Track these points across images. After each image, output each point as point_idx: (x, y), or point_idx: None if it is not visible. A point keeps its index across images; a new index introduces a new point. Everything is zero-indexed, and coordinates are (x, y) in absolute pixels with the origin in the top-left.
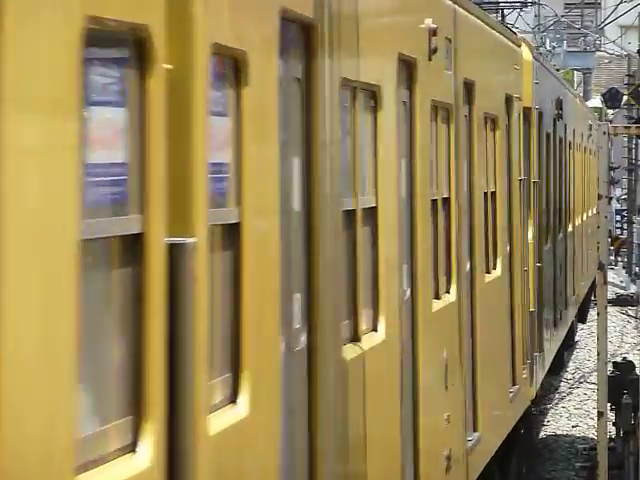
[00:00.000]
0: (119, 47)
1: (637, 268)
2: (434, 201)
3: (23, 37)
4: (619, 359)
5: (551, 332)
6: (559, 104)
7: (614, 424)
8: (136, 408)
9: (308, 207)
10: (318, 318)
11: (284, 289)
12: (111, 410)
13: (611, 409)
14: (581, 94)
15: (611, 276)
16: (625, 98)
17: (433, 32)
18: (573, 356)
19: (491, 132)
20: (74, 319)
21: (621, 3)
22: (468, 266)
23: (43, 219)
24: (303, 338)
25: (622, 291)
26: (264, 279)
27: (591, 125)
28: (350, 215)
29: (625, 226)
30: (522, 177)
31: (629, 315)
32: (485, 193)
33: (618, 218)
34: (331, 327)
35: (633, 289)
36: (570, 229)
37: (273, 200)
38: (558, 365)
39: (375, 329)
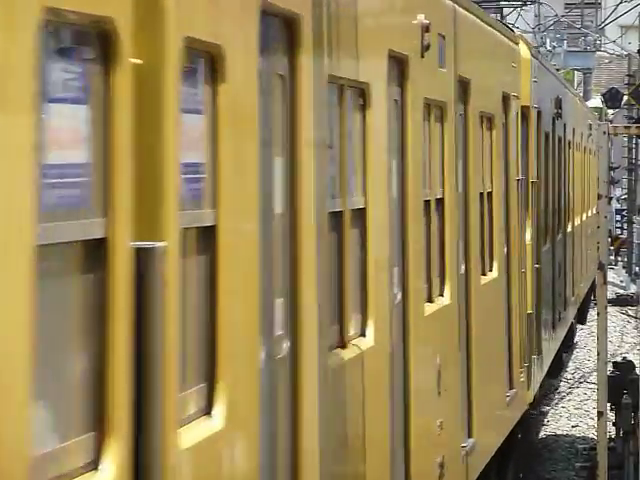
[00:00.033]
0: (81, 41)
1: (637, 268)
2: (427, 202)
3: None
4: (619, 359)
5: (549, 334)
6: (558, 103)
7: (614, 424)
8: (99, 423)
9: (292, 209)
10: (302, 324)
11: (265, 294)
12: (72, 426)
13: (611, 409)
14: (581, 94)
15: (611, 276)
16: (625, 98)
17: (426, 28)
18: (573, 356)
19: (487, 131)
20: (30, 330)
21: (621, 3)
22: (463, 268)
23: None
24: (286, 345)
25: (622, 291)
26: (242, 284)
27: (591, 125)
28: (337, 217)
29: (625, 226)
30: (520, 177)
31: (629, 315)
32: (481, 193)
33: (618, 218)
34: (316, 333)
35: (633, 289)
36: (569, 229)
37: (252, 202)
38: (557, 367)
39: (363, 334)
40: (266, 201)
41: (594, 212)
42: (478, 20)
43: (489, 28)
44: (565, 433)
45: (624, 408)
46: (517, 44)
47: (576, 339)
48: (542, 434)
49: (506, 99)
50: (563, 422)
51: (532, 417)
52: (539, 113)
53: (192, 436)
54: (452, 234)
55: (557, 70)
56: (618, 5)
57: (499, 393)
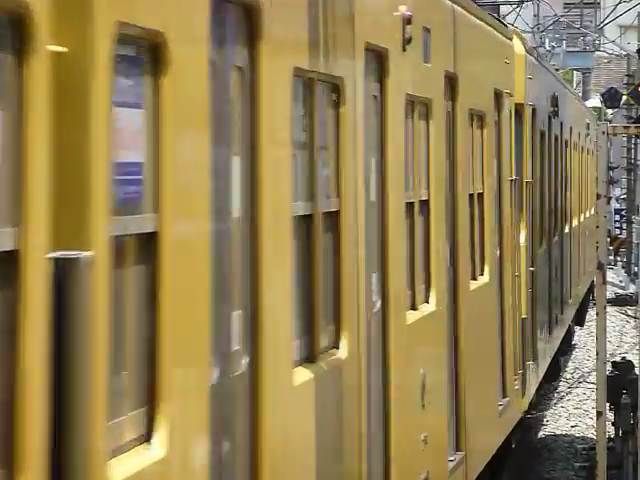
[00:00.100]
0: None
1: (636, 268)
2: (410, 204)
3: None
4: (618, 359)
5: (546, 338)
6: (554, 101)
7: (613, 424)
8: (10, 459)
9: (252, 212)
10: (263, 338)
11: (219, 307)
12: None
13: (610, 409)
14: (580, 94)
15: (610, 276)
16: (624, 98)
17: (407, 20)
18: (572, 356)
19: (478, 130)
20: None
21: (620, 3)
22: (451, 273)
23: None
24: (244, 361)
25: (621, 291)
26: (189, 296)
27: (589, 124)
28: (306, 220)
29: (624, 226)
30: (513, 177)
31: (628, 315)
32: (471, 195)
33: (617, 218)
34: (280, 348)
35: (632, 289)
36: (567, 231)
37: (202, 205)
38: (555, 370)
39: (336, 346)
40: (221, 204)
41: (592, 213)
42: (468, 13)
43: (480, 22)
44: (564, 433)
45: (623, 408)
46: (511, 39)
47: (575, 339)
48: (541, 434)
49: (498, 96)
50: (562, 422)
51: (531, 417)
52: (534, 111)
53: (126, 468)
54: (438, 238)
55: (556, 70)
56: (617, 5)
57: (491, 403)
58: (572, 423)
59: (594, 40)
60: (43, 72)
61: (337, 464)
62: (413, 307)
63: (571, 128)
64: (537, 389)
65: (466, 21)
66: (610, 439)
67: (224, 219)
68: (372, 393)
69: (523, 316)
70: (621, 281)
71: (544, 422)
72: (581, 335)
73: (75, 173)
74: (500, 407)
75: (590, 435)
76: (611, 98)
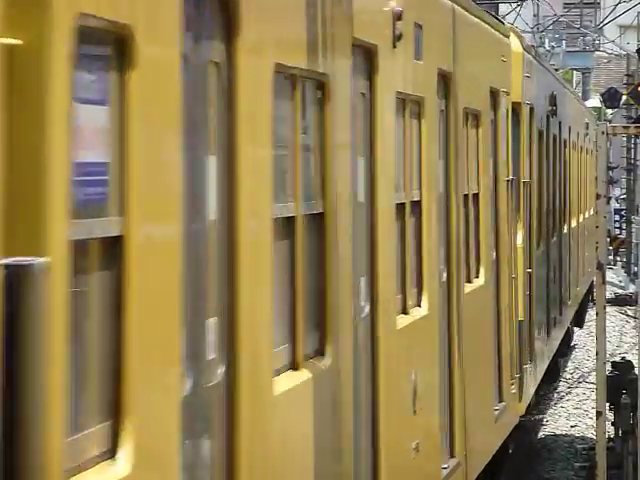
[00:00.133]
0: None
1: (636, 268)
2: (401, 205)
3: None
4: (618, 359)
5: (544, 341)
6: (553, 100)
7: (613, 424)
8: None
9: (230, 214)
10: (241, 346)
11: (192, 314)
12: None
13: (610, 409)
14: (580, 94)
15: (610, 276)
16: (624, 98)
17: (398, 16)
18: (572, 356)
19: (473, 129)
20: None
21: (620, 3)
22: (445, 276)
23: None
24: (220, 371)
25: (621, 291)
26: (158, 303)
27: (588, 123)
28: (289, 223)
29: (624, 226)
30: (510, 177)
31: (628, 315)
32: (466, 195)
33: (617, 218)
34: (259, 355)
35: (632, 289)
36: (565, 231)
37: (173, 207)
38: (553, 372)
39: (322, 353)
40: (195, 206)
41: (592, 213)
42: (462, 10)
43: (475, 19)
44: (564, 433)
45: (623, 408)
46: (507, 37)
47: (575, 339)
48: (541, 434)
49: (495, 95)
50: (562, 422)
51: (528, 420)
52: (531, 110)
53: None
54: (431, 239)
55: (556, 70)
56: (617, 5)
57: (486, 408)
58: (572, 423)
59: (594, 40)
60: None
61: (323, 477)
62: (404, 311)
63: (570, 128)
64: (536, 390)
65: (461, 18)
66: (610, 439)
67: (198, 222)
68: (360, 400)
69: (520, 318)
70: (621, 281)
71: (544, 422)
72: (581, 335)
73: (30, 174)
74: (496, 412)
75: (590, 435)
76: (611, 98)
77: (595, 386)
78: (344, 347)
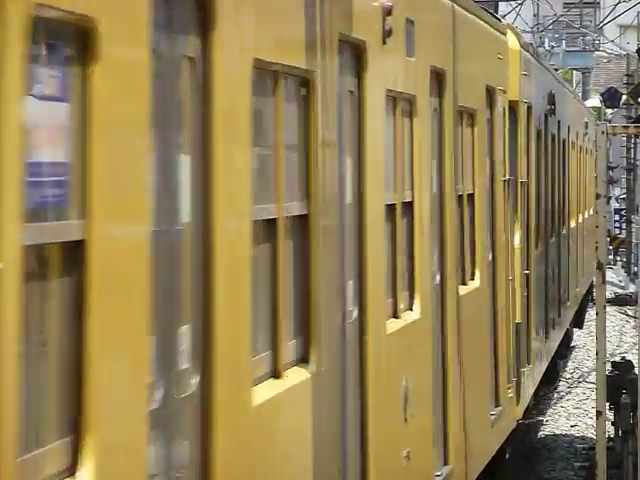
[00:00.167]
0: None
1: (636, 267)
2: (391, 206)
3: None
4: (618, 358)
5: (542, 343)
6: (551, 99)
7: (613, 424)
8: None
9: (203, 217)
10: (217, 355)
11: (162, 321)
12: None
13: (610, 409)
14: (580, 94)
15: (610, 275)
16: (624, 98)
17: (388, 11)
18: (572, 356)
19: (468, 128)
20: None
21: (620, 3)
22: (438, 278)
23: None
24: (194, 381)
25: (621, 291)
26: (124, 310)
27: (587, 123)
28: (270, 225)
29: (624, 225)
30: (507, 177)
31: (628, 315)
32: (460, 196)
33: (617, 217)
34: (237, 364)
35: (632, 288)
36: (564, 232)
37: (141, 209)
38: (552, 375)
39: (306, 360)
40: (166, 208)
41: (591, 213)
42: (457, 6)
43: (470, 15)
44: (564, 433)
45: (623, 408)
46: (504, 34)
47: (575, 339)
48: (541, 434)
49: (491, 93)
50: (562, 422)
51: (526, 423)
52: (529, 109)
53: None
54: (424, 241)
55: (556, 70)
56: (617, 5)
57: (482, 413)
58: (572, 423)
59: (594, 40)
60: None
61: None
62: (395, 315)
63: (569, 127)
64: (535, 390)
65: (455, 14)
66: (610, 439)
67: (170, 224)
68: (348, 408)
69: (517, 321)
70: (621, 281)
71: (544, 422)
72: (581, 335)
73: None
74: (492, 417)
75: (590, 435)
76: (611, 98)
77: (595, 386)
78: (330, 353)
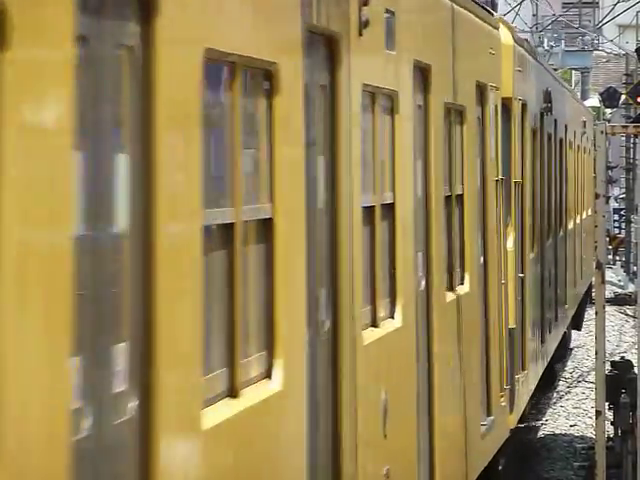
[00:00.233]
0: None
1: (635, 267)
2: (369, 208)
3: None
4: (617, 358)
5: (538, 348)
6: (548, 97)
7: (612, 423)
8: None
9: (144, 221)
10: (160, 375)
11: (91, 339)
12: None
13: (609, 408)
14: (579, 93)
15: (609, 275)
16: (623, 97)
17: (364, 1)
18: (571, 355)
19: (457, 126)
20: None
21: (619, 2)
22: (423, 284)
23: None
24: (132, 405)
25: (620, 290)
26: (42, 325)
27: (585, 122)
28: (226, 230)
29: (623, 225)
30: (500, 177)
31: (627, 314)
32: (448, 197)
33: (616, 217)
34: (183, 385)
35: (631, 288)
36: (561, 234)
37: (61, 212)
38: (549, 379)
39: (269, 376)
40: (98, 211)
41: (590, 213)
42: None
43: (458, 7)
44: (563, 432)
45: (622, 407)
46: (497, 28)
47: (574, 338)
48: (540, 433)
49: (482, 89)
50: (561, 421)
51: (520, 428)
52: (524, 107)
53: None
54: (406, 245)
55: (555, 70)
56: (616, 4)
57: (472, 424)
58: (571, 422)
59: (593, 39)
60: None
61: None
62: (374, 324)
63: (566, 126)
64: (535, 391)
65: (442, 6)
66: (609, 438)
67: (102, 229)
68: (318, 427)
69: (511, 326)
70: (620, 280)
71: (543, 421)
72: (580, 335)
73: None
74: (483, 427)
75: (589, 434)
76: (610, 97)
77: (594, 385)
78: (296, 369)
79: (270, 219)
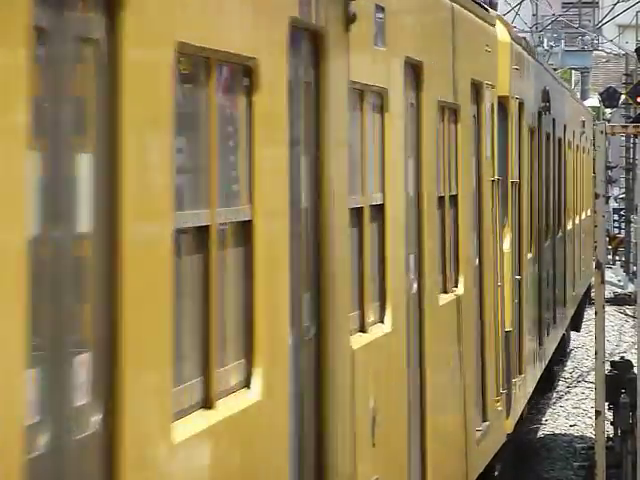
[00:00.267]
0: None
1: (635, 267)
2: (357, 210)
3: None
4: (617, 358)
5: (536, 351)
6: (546, 96)
7: (612, 423)
8: None
9: (108, 222)
10: (125, 386)
11: (49, 348)
12: None
13: (609, 408)
14: (579, 93)
15: (609, 275)
16: (623, 97)
17: None
18: (571, 355)
19: (451, 124)
20: None
21: (619, 2)
22: (415, 287)
23: None
24: (95, 419)
25: (620, 290)
26: None
27: (584, 121)
28: (200, 234)
29: (623, 225)
30: (496, 177)
31: (627, 314)
32: (442, 197)
33: (616, 217)
34: (151, 396)
35: (631, 288)
36: (560, 234)
37: (17, 210)
38: (548, 382)
39: (247, 385)
40: (56, 212)
41: (589, 214)
42: None
43: (452, 3)
44: (563, 432)
45: (622, 407)
46: (493, 25)
47: (574, 338)
48: (540, 433)
49: (477, 87)
50: (561, 421)
51: (530, 416)
52: (521, 105)
53: None
54: (397, 247)
55: (554, 70)
56: (615, 4)
57: (466, 430)
58: (571, 422)
59: (592, 39)
60: None
61: None
62: (362, 329)
63: (565, 126)
64: (534, 391)
65: (435, 1)
66: (609, 438)
67: (61, 230)
68: (303, 437)
69: (507, 329)
70: (620, 280)
71: (543, 421)
72: (580, 335)
73: None
74: (479, 433)
75: (589, 434)
76: (609, 97)
77: (594, 385)
78: (278, 377)
79: (249, 221)
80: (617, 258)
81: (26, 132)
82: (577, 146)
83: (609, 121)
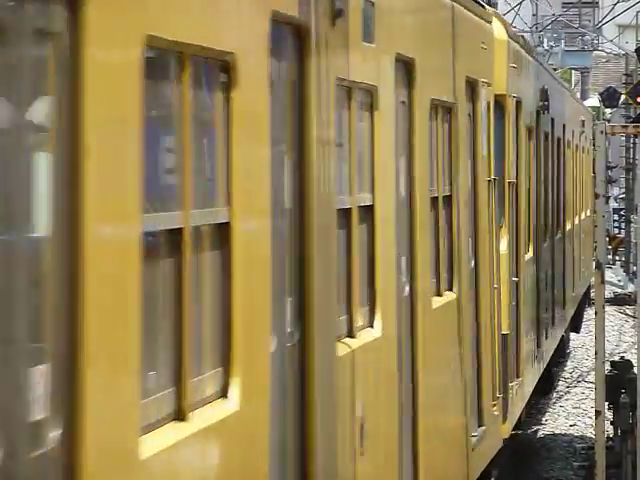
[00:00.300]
0: None
1: (635, 267)
2: (345, 211)
3: None
4: (617, 358)
5: (533, 353)
6: (544, 95)
7: (612, 423)
8: None
9: (67, 225)
10: (87, 400)
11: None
12: None
13: (609, 408)
14: (579, 93)
15: (609, 275)
16: (623, 97)
17: None
18: (571, 355)
19: (445, 123)
20: None
21: (619, 2)
22: (407, 290)
23: None
24: (54, 435)
25: (620, 290)
26: None
27: (584, 121)
28: (172, 236)
29: (623, 225)
30: (492, 177)
31: (627, 314)
32: (435, 198)
33: (616, 217)
34: (116, 410)
35: (631, 288)
36: (559, 235)
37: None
38: (547, 384)
39: (224, 395)
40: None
41: (589, 214)
42: None
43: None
44: (563, 432)
45: (622, 407)
46: (489, 22)
47: (574, 338)
48: (540, 433)
49: (473, 85)
50: (561, 421)
51: (530, 416)
52: (518, 104)
53: None
54: (387, 249)
55: (554, 70)
56: (615, 4)
57: (461, 436)
58: (571, 422)
59: (592, 39)
60: None
61: None
62: (350, 334)
63: (564, 125)
64: (534, 391)
65: None
66: (609, 438)
67: (16, 232)
68: (285, 448)
69: (504, 332)
70: (620, 280)
71: (543, 421)
72: (580, 335)
73: None
74: (474, 439)
75: (589, 434)
76: (609, 97)
77: (594, 385)
78: (258, 386)
79: (227, 223)
80: (617, 258)
81: None
82: (577, 146)
83: (609, 121)
